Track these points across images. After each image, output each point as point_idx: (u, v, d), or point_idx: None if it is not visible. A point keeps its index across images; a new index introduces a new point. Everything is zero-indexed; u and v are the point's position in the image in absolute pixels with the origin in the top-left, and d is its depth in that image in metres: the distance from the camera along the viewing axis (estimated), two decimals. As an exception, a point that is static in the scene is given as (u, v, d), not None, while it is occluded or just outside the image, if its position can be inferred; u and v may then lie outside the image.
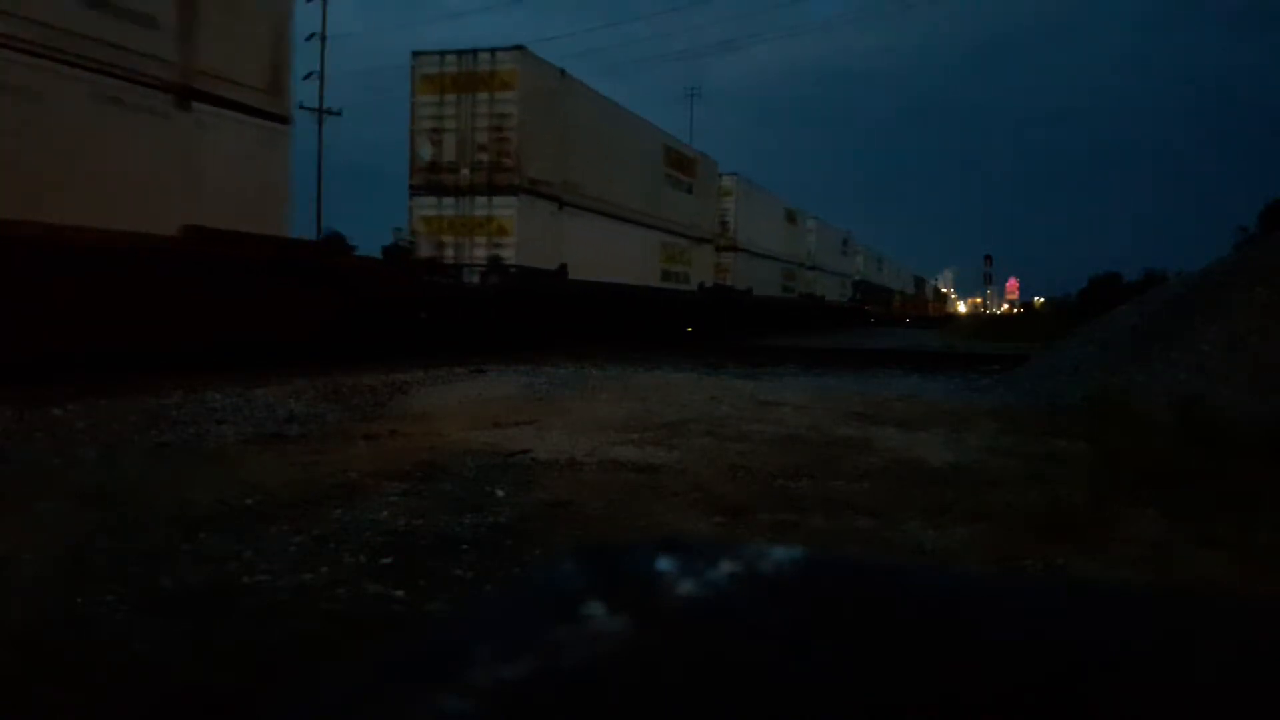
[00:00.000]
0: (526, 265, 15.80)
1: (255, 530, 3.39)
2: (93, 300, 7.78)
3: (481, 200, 15.63)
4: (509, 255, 15.59)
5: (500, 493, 4.12)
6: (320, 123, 31.70)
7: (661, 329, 21.48)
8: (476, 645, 0.41)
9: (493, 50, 15.70)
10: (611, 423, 6.43)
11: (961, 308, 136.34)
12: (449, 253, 15.74)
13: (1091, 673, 0.39)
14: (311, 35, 31.69)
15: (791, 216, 36.42)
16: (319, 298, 10.44)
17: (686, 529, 3.62)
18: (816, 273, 40.39)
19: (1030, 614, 0.47)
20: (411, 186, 16.12)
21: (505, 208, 15.55)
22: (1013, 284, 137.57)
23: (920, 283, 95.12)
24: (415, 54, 16.15)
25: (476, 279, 15.55)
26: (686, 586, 0.47)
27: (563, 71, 17.20)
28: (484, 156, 15.60)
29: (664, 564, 0.49)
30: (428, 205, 15.96)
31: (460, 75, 15.73)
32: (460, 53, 15.84)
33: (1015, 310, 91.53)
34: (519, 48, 15.78)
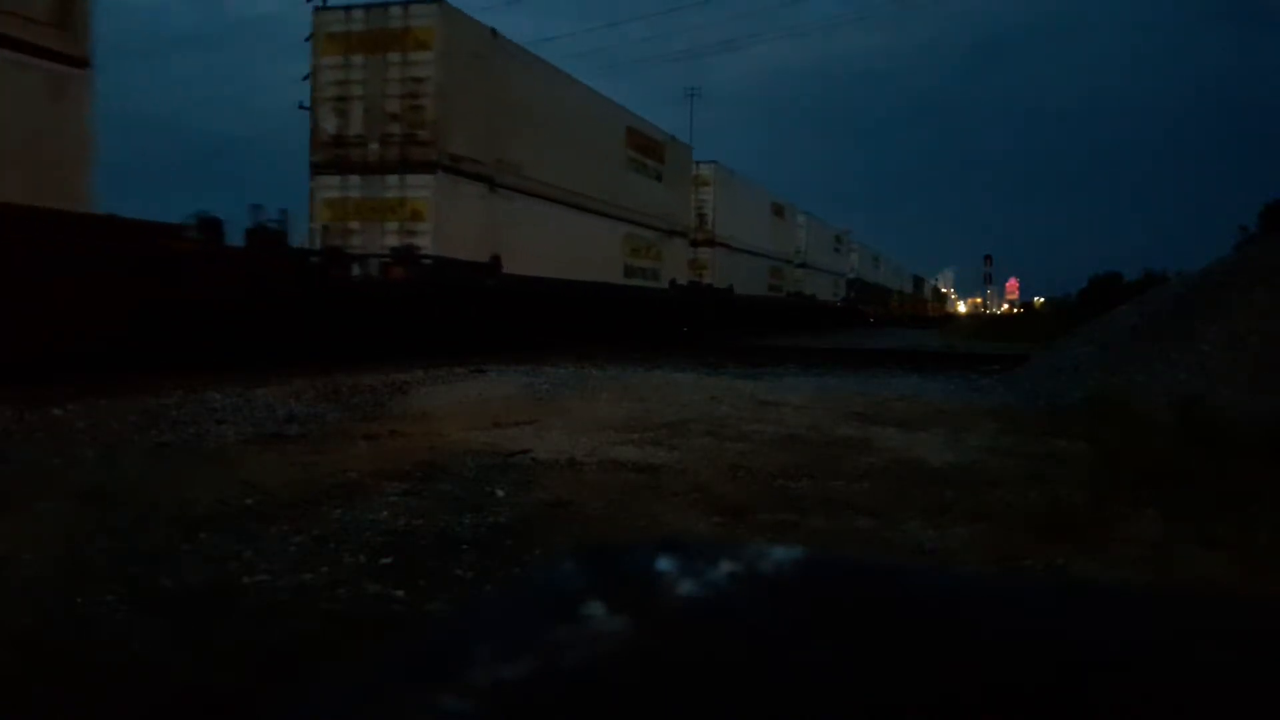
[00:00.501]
0: (446, 256, 13.29)
1: (255, 530, 3.39)
2: None
3: (393, 179, 13.22)
4: (424, 244, 13.12)
5: (500, 493, 4.12)
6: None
7: (626, 331, 18.93)
8: (476, 645, 0.41)
9: (406, 3, 13.27)
10: (611, 423, 6.43)
11: (961, 308, 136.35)
12: (356, 241, 13.22)
13: (1091, 673, 0.39)
14: (309, 37, 31.47)
15: (779, 210, 33.97)
16: (120, 293, 8.19)
17: (686, 529, 3.62)
18: (807, 270, 38.07)
19: (1030, 614, 0.47)
20: (313, 164, 13.61)
21: (420, 188, 13.15)
22: (1013, 284, 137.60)
23: (919, 282, 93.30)
24: (317, 9, 13.74)
25: (384, 271, 13.15)
26: (686, 586, 0.47)
27: (494, 31, 14.76)
28: (396, 128, 13.16)
29: (664, 564, 0.49)
30: (331, 186, 13.50)
31: (369, 33, 13.34)
32: (369, 6, 13.49)
33: (1015, 310, 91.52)
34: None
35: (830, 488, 4.37)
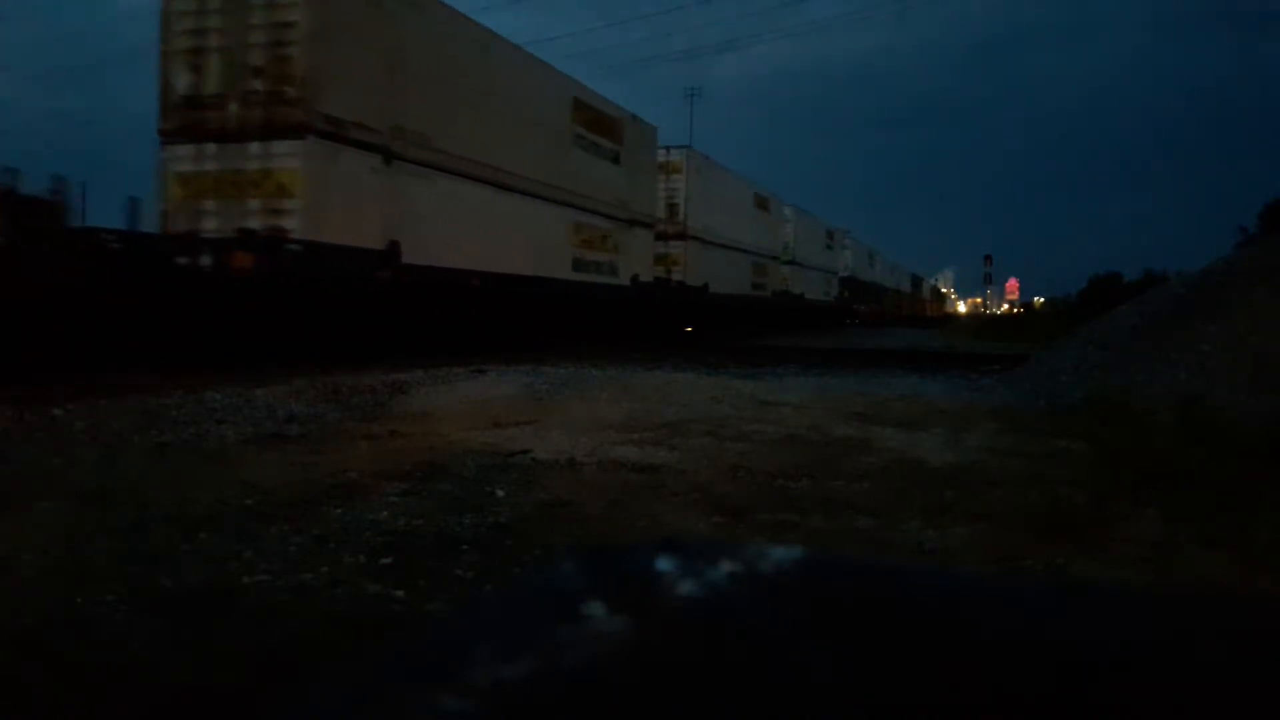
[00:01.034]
0: (322, 241, 10.64)
1: (255, 530, 3.39)
2: None
3: (255, 147, 10.62)
4: (293, 225, 10.47)
5: (500, 493, 4.12)
6: None
7: (577, 333, 16.77)
8: (476, 645, 0.41)
9: None
10: (611, 422, 6.43)
11: (961, 308, 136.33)
12: (212, 225, 10.67)
13: (1091, 673, 0.39)
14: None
15: (762, 203, 30.84)
16: None
17: (686, 529, 3.62)
18: (795, 268, 35.32)
19: (1030, 614, 0.47)
20: (161, 132, 11.03)
21: (286, 156, 10.57)
22: (1013, 284, 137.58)
23: (917, 281, 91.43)
24: None
25: (224, 259, 10.43)
26: (686, 586, 0.47)
27: None
28: (259, 84, 10.63)
29: (664, 564, 0.49)
30: (184, 158, 10.93)
31: None
32: None
33: (1015, 310, 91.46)
34: None
35: (830, 488, 4.37)
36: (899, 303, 69.81)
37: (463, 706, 0.36)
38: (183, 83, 10.99)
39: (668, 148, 22.93)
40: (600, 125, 18.13)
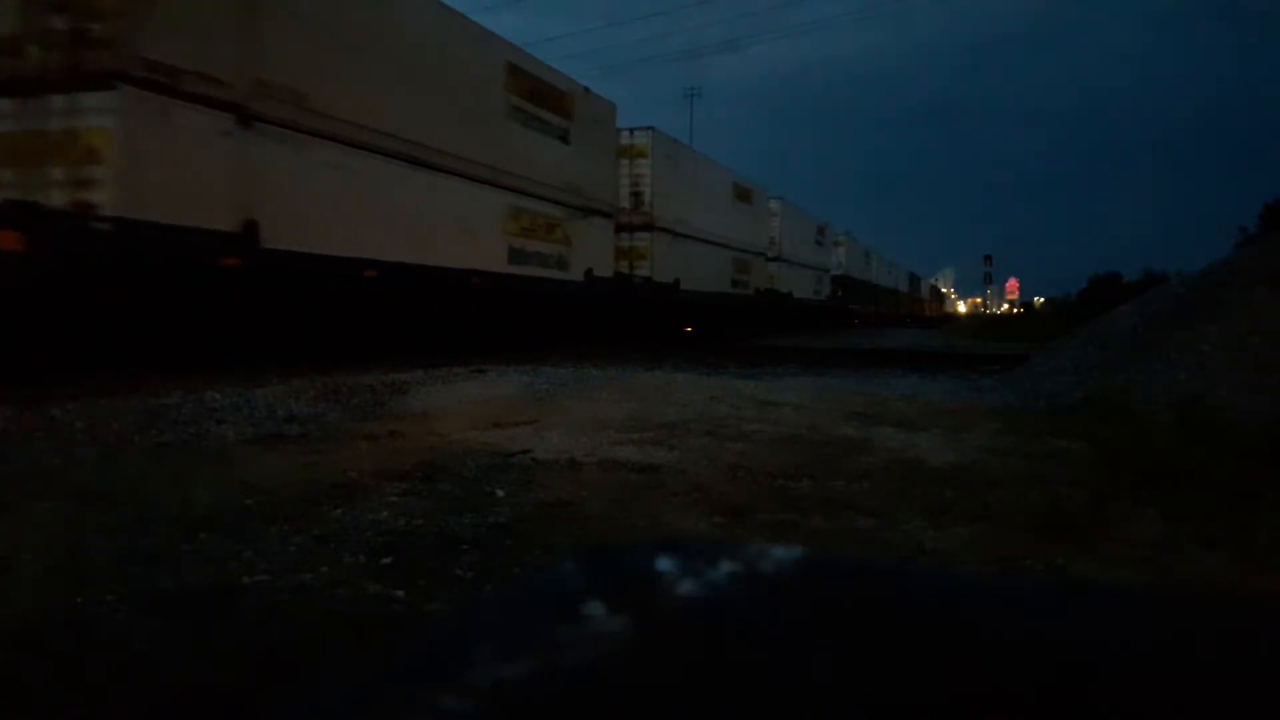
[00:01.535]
0: (143, 219, 8.36)
1: (255, 530, 3.39)
2: None
3: (59, 102, 8.30)
4: (102, 198, 8.18)
5: (500, 493, 4.12)
6: None
7: (515, 335, 14.73)
8: (476, 645, 0.41)
9: None
10: (611, 422, 6.44)
11: (961, 308, 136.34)
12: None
13: (1091, 673, 0.39)
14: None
15: (744, 194, 28.40)
16: None
17: (686, 529, 3.62)
18: (782, 265, 33.30)
19: (1030, 614, 0.47)
20: None
21: (96, 112, 8.24)
22: (1013, 284, 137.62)
23: (916, 281, 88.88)
24: None
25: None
26: (686, 586, 0.47)
27: None
28: (61, 22, 8.30)
29: (664, 564, 0.49)
30: None
31: None
32: None
33: (1015, 310, 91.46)
34: None
35: (830, 488, 4.37)
36: (896, 302, 68.20)
37: (463, 706, 0.36)
38: None
39: (631, 130, 20.49)
40: (544, 97, 15.63)
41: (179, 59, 8.73)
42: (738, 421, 6.61)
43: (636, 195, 20.62)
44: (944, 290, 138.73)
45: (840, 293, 44.71)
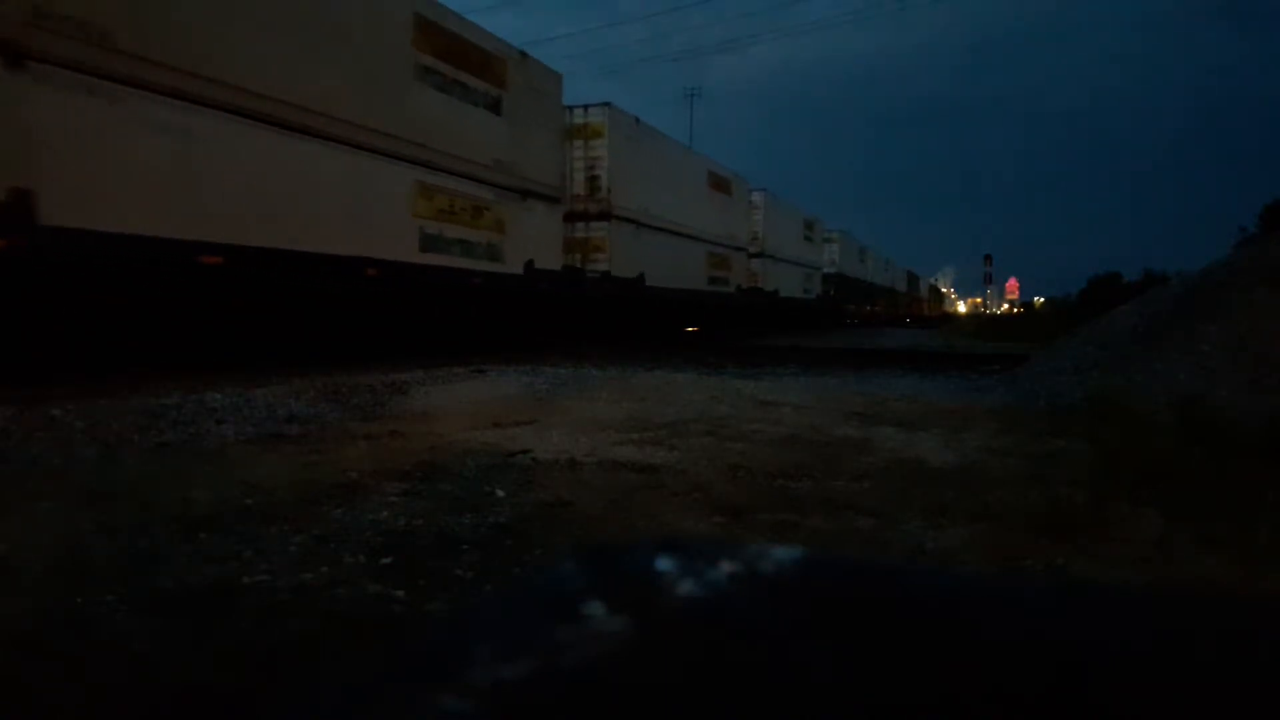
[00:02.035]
0: None
1: (255, 530, 3.39)
2: None
3: None
4: None
5: (500, 493, 4.12)
6: None
7: (433, 334, 12.94)
8: (476, 645, 0.41)
9: None
10: (611, 422, 6.44)
11: (961, 307, 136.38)
12: None
13: (1091, 673, 0.39)
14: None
15: (722, 184, 26.12)
16: None
17: (686, 529, 3.62)
18: (767, 261, 31.25)
19: (1030, 614, 0.47)
20: None
21: None
22: (1013, 284, 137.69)
23: (914, 280, 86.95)
24: None
25: None
26: (686, 586, 0.47)
27: None
28: None
29: (664, 564, 0.49)
30: None
31: None
32: None
33: (1015, 310, 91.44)
34: None
35: (830, 488, 4.37)
36: (894, 302, 66.37)
37: (463, 706, 0.36)
38: None
39: (585, 106, 18.34)
40: (466, 59, 13.13)
41: None
42: (738, 421, 6.61)
43: (593, 180, 18.34)
44: (944, 290, 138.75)
45: (833, 291, 43.22)
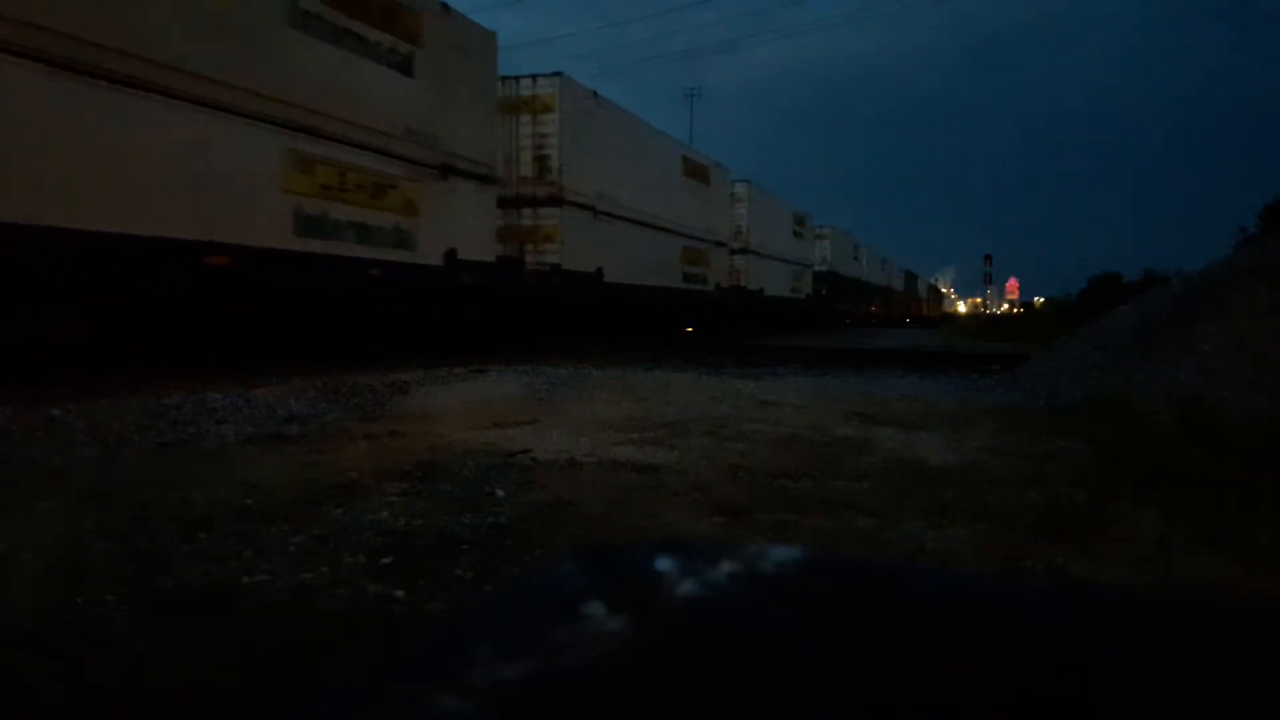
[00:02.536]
0: None
1: (255, 530, 3.39)
2: None
3: None
4: None
5: (500, 493, 4.12)
6: None
7: (321, 337, 10.77)
8: (476, 645, 0.41)
9: None
10: (611, 422, 6.44)
11: (961, 307, 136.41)
12: None
13: (1091, 673, 0.39)
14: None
15: (699, 172, 23.57)
16: None
17: (686, 529, 3.62)
18: (751, 257, 29.02)
19: (1030, 614, 0.47)
20: None
21: None
22: (1013, 284, 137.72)
23: (912, 279, 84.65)
24: None
25: None
26: (686, 586, 0.47)
27: None
28: None
29: (664, 564, 0.49)
30: None
31: None
32: None
33: (1015, 310, 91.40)
34: None
35: (830, 488, 4.37)
36: (890, 302, 64.26)
37: (463, 706, 0.36)
38: None
39: (534, 76, 15.96)
40: (363, 6, 10.76)
41: None
42: (738, 421, 6.61)
43: (541, 160, 15.89)
44: (944, 290, 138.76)
45: (824, 290, 40.97)
